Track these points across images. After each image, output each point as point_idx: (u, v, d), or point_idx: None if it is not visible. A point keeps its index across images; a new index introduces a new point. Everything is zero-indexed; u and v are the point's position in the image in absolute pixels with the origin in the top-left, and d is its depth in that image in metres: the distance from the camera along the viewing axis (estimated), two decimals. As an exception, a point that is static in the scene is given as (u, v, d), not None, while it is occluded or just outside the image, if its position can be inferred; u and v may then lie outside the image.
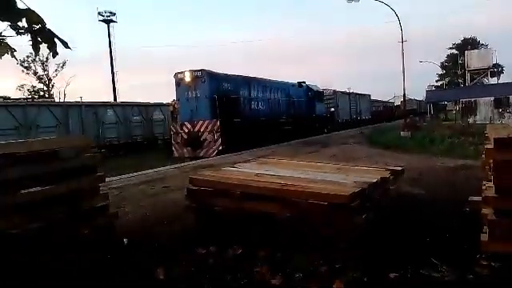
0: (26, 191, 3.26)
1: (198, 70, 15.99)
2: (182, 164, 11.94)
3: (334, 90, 31.66)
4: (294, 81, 24.35)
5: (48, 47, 1.26)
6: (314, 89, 25.49)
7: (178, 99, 16.74)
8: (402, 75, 23.70)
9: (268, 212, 3.93)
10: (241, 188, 4.16)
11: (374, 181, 4.27)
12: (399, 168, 5.51)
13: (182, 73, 16.15)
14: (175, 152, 16.42)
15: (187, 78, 15.92)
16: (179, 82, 16.24)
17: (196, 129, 15.88)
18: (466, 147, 12.11)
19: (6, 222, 3.06)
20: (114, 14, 41.88)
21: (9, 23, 1.16)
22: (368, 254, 3.37)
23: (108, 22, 41.70)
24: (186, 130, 16.08)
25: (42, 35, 1.20)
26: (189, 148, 15.92)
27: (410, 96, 48.25)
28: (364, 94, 40.89)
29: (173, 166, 11.16)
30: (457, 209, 4.64)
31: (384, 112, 48.91)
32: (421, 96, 60.07)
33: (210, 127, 15.62)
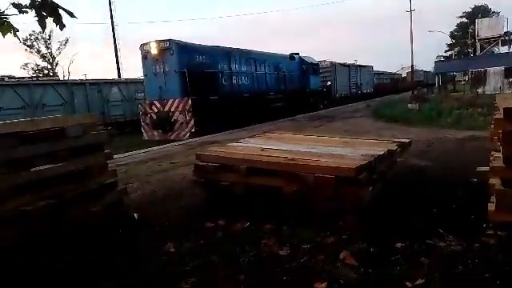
0: (35, 169, 3.30)
1: (165, 40, 13.97)
2: (189, 140, 11.99)
3: (332, 62, 28.58)
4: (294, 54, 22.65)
5: (54, 21, 1.23)
6: (309, 61, 23.16)
7: (145, 74, 14.71)
8: (410, 46, 23.18)
9: (274, 186, 3.96)
10: (247, 163, 4.18)
11: (381, 153, 4.26)
12: (406, 140, 5.48)
13: (147, 44, 14.14)
14: (145, 134, 14.81)
15: (153, 49, 13.89)
16: (146, 55, 14.30)
17: (166, 108, 14.00)
18: (474, 118, 11.97)
19: (18, 199, 3.12)
20: (115, -10, 40.93)
21: (10, 2, 1.13)
22: (374, 226, 3.41)
23: (109, -3, 40.83)
24: (156, 110, 14.23)
25: (46, 8, 1.17)
26: (159, 131, 14.27)
27: (417, 67, 47.30)
28: (365, 66, 37.19)
29: (180, 143, 11.21)
30: (464, 180, 4.64)
31: (388, 85, 45.98)
32: (430, 67, 58.91)
33: (181, 106, 13.71)
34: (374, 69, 40.91)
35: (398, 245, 3.02)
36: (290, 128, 12.19)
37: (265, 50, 19.79)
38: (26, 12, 1.15)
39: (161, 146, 10.70)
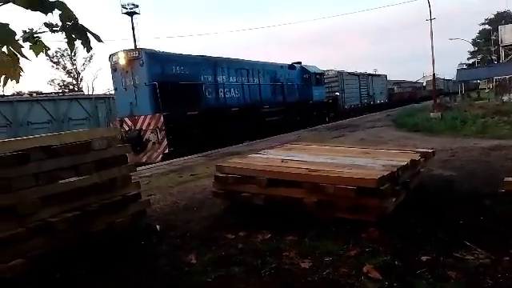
0: (62, 182, 3.40)
1: (134, 50, 12.95)
2: (210, 152, 12.10)
3: (339, 71, 26.69)
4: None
5: (82, 43, 1.30)
6: (311, 70, 21.37)
7: (115, 88, 13.15)
8: (430, 55, 22.80)
9: (295, 197, 3.95)
10: (267, 174, 4.19)
11: (404, 164, 4.19)
12: (430, 150, 5.37)
13: (115, 54, 12.65)
14: None
15: (122, 60, 12.40)
16: (115, 67, 12.81)
17: (137, 126, 12.35)
18: (500, 127, 11.62)
19: (46, 211, 3.22)
20: (137, 6, 42.33)
21: (43, 22, 1.20)
22: (398, 238, 3.34)
23: (131, 14, 42.24)
24: (126, 129, 12.53)
25: (76, 32, 1.24)
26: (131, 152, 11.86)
27: (438, 75, 46.28)
28: (378, 75, 35.44)
29: (200, 154, 11.32)
30: (491, 190, 4.50)
31: (405, 94, 43.31)
32: (451, 75, 57.68)
33: (152, 124, 12.04)
34: (393, 78, 40.36)
35: (424, 258, 2.94)
36: (309, 138, 12.15)
37: (262, 60, 18.37)
38: (57, 31, 1.21)
39: (181, 158, 10.84)
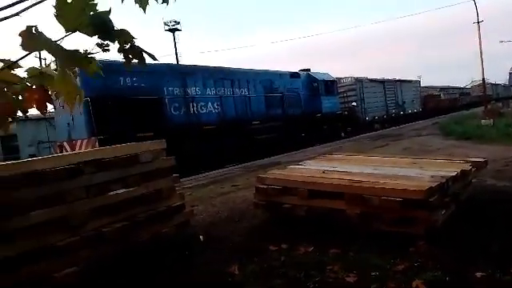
0: (112, 193, 3.58)
1: None
2: (249, 163, 12.20)
3: (357, 78, 23.30)
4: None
5: (138, 63, 1.39)
6: (320, 78, 18.64)
7: (53, 107, 10.55)
8: (479, 59, 21.66)
9: (338, 209, 3.87)
10: (309, 185, 4.15)
11: (454, 174, 3.99)
12: (481, 159, 5.08)
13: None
14: None
15: None
16: None
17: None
18: (561, 133, 10.75)
19: (96, 222, 3.39)
20: (179, 23, 44.02)
21: (96, 42, 1.29)
22: (449, 252, 3.16)
23: (173, 30, 43.97)
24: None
25: (133, 52, 1.33)
26: None
27: (489, 80, 43.58)
28: (409, 80, 30.93)
29: (239, 166, 11.44)
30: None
31: (443, 102, 37.53)
32: (503, 80, 54.36)
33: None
34: (438, 83, 37.65)
35: (478, 274, 2.76)
36: (351, 148, 11.90)
37: (255, 68, 16.31)
38: (109, 50, 1.31)
39: (221, 170, 11.00)
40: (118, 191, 3.65)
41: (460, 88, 49.91)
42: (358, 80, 23.18)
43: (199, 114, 12.93)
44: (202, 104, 13.09)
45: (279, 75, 16.92)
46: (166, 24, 43.86)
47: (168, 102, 11.98)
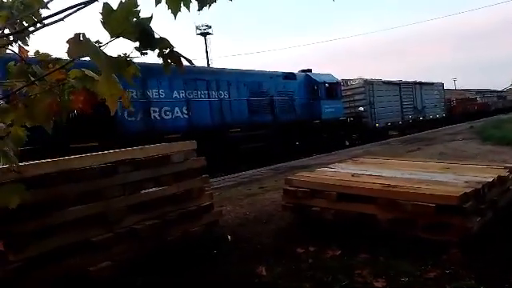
0: (144, 191, 3.70)
1: None
2: (277, 165, 12.21)
3: (366, 80, 20.57)
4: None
5: (176, 67, 1.45)
6: (320, 80, 16.57)
7: None
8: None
9: (368, 214, 3.82)
10: (338, 188, 4.12)
11: (490, 180, 3.84)
12: (521, 165, 4.85)
13: None
14: None
15: None
16: None
17: None
18: None
19: (131, 218, 3.52)
20: (210, 27, 44.82)
21: (134, 47, 1.36)
22: (484, 261, 3.05)
23: (205, 34, 44.78)
24: None
25: (172, 58, 1.39)
26: None
27: None
28: (431, 83, 27.24)
29: (268, 167, 11.46)
30: None
31: (471, 106, 33.71)
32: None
33: None
34: (475, 87, 35.14)
35: (516, 285, 2.65)
36: (382, 152, 11.65)
37: (237, 67, 14.73)
38: (147, 54, 1.38)
39: (249, 171, 11.07)
40: (151, 190, 3.78)
41: (497, 91, 47.49)
42: (368, 82, 20.49)
43: (162, 121, 11.08)
44: (167, 109, 11.18)
45: (269, 76, 15.05)
46: (197, 28, 44.74)
47: (119, 105, 9.71)
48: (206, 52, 44.73)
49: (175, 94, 11.51)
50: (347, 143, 17.69)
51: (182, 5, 1.37)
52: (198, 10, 1.44)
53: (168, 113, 11.28)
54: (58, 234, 3.02)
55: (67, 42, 1.17)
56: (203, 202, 4.19)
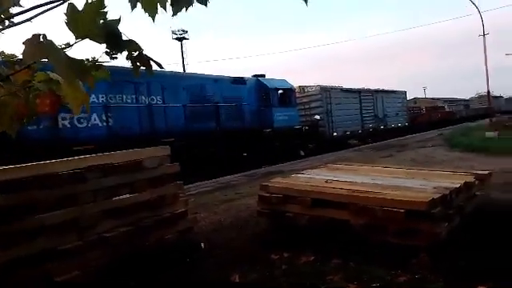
0: (117, 198, 3.61)
1: None
2: (253, 171, 12.21)
3: (323, 87, 19.72)
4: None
5: (145, 70, 1.43)
6: (272, 85, 15.41)
7: None
8: (485, 72, 21.58)
9: (341, 219, 3.88)
10: (312, 194, 4.16)
11: (457, 186, 3.98)
12: (486, 172, 5.06)
13: None
14: None
15: None
16: None
17: None
18: None
19: (105, 224, 3.43)
20: (186, 32, 44.61)
21: (104, 51, 1.33)
22: (452, 266, 3.15)
23: (181, 39, 44.51)
24: None
25: (140, 60, 1.37)
26: None
27: (494, 93, 42.90)
28: (393, 91, 26.80)
29: (243, 174, 11.44)
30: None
31: (434, 115, 33.43)
32: (507, 93, 54.08)
33: None
34: (444, 95, 35.98)
35: (480, 288, 2.75)
36: (355, 158, 11.88)
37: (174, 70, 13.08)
38: (116, 58, 1.35)
39: (225, 177, 11.02)
40: (124, 196, 3.69)
41: (464, 100, 49.37)
42: (325, 89, 19.64)
43: (73, 130, 9.59)
44: (81, 116, 9.60)
45: (214, 80, 13.73)
46: (173, 33, 44.45)
47: None
48: (182, 57, 44.47)
49: (93, 99, 9.84)
50: (302, 153, 16.44)
51: (158, 6, 1.34)
52: (173, 14, 1.43)
53: (82, 120, 9.77)
54: (28, 240, 2.92)
55: (23, 43, 1.12)
56: (177, 209, 4.13)
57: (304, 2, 1.37)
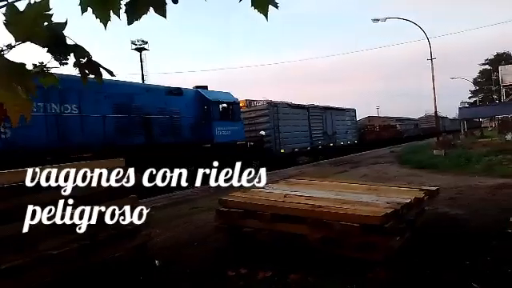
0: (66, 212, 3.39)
1: None
2: (211, 185, 12.04)
3: (270, 102, 18.81)
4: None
5: (95, 78, 1.35)
6: (214, 98, 14.30)
7: None
8: (432, 93, 23.07)
9: (299, 234, 3.89)
10: (271, 209, 4.15)
11: (408, 201, 4.14)
12: (434, 188, 5.33)
13: None
14: None
15: None
16: None
17: None
18: (505, 165, 11.55)
19: (51, 241, 3.19)
20: (146, 43, 43.93)
21: (53, 56, 1.25)
22: (405, 279, 3.25)
23: (140, 49, 43.73)
24: None
25: (89, 67, 1.29)
26: None
27: (441, 113, 45.84)
28: (343, 109, 26.60)
29: (200, 188, 11.26)
30: (498, 230, 4.41)
31: (384, 134, 33.89)
32: (453, 114, 58.19)
33: None
34: (396, 115, 37.01)
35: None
36: (312, 173, 12.11)
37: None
38: (67, 64, 1.27)
39: (182, 192, 10.78)
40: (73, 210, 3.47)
41: (414, 119, 52.16)
42: (272, 104, 18.62)
43: None
44: None
45: (145, 90, 12.50)
46: (133, 43, 43.65)
47: None
48: (141, 67, 43.64)
49: None
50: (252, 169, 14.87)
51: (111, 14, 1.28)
52: (128, 23, 1.37)
53: None
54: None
55: None
56: (132, 224, 3.94)
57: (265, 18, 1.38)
